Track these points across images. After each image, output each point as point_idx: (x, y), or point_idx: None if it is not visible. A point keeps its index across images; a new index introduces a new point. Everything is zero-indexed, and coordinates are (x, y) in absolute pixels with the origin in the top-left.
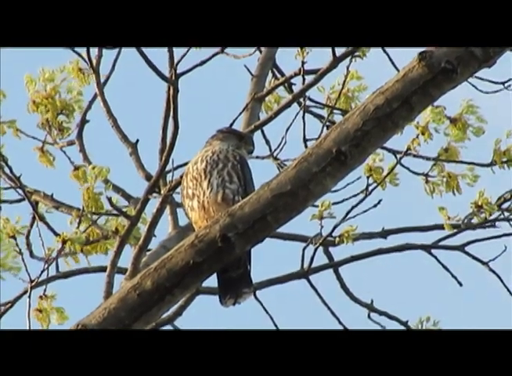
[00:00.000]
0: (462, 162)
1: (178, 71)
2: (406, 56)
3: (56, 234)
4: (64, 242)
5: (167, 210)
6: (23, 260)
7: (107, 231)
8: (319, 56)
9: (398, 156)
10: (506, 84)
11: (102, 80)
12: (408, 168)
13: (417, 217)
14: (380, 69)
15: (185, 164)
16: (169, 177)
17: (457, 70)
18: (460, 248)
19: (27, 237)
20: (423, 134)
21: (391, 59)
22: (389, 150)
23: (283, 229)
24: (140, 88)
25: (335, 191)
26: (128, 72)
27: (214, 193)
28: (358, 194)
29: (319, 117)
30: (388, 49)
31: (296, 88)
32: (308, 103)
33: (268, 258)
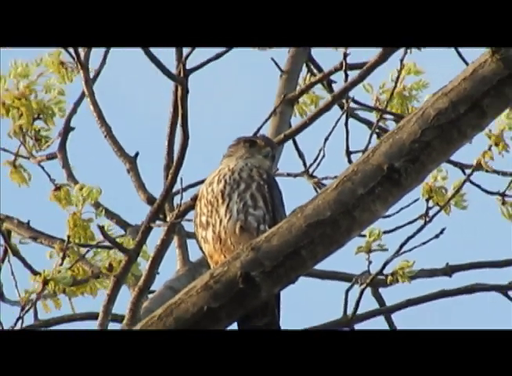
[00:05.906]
0: None
1: (188, 67)
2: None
3: (34, 272)
4: (45, 282)
5: (175, 242)
6: None
7: (98, 268)
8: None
9: (467, 171)
10: None
11: (91, 76)
12: (479, 186)
13: (490, 249)
14: (442, 62)
15: (198, 183)
16: (177, 200)
17: None
18: None
19: None
20: (496, 145)
21: (457, 50)
22: (455, 164)
23: (320, 266)
24: (140, 87)
25: (387, 216)
26: (123, 67)
27: (233, 222)
28: (415, 221)
29: (366, 123)
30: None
31: (337, 87)
32: (352, 105)
33: (303, 302)
